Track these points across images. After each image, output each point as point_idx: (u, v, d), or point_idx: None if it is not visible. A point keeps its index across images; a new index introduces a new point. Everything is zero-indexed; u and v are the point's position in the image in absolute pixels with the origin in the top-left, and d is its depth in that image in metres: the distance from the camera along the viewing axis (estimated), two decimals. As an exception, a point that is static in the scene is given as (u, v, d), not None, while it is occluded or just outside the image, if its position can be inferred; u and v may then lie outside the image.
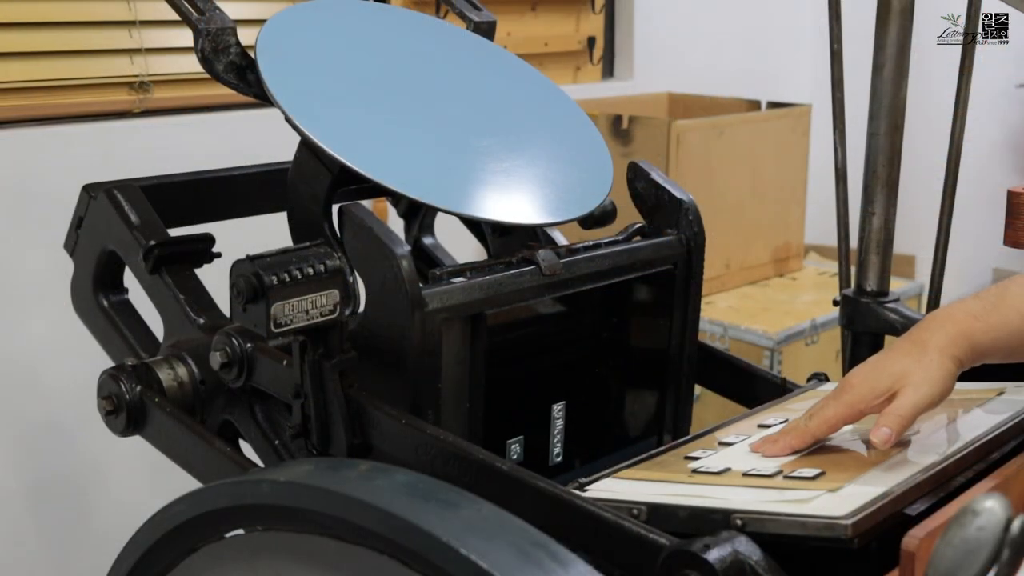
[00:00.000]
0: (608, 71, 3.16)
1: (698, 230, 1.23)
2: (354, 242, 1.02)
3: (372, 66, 1.24)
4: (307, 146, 1.13)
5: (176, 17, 1.16)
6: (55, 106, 2.03)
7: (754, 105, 2.95)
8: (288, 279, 0.94)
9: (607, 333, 1.21)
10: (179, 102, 2.17)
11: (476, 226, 1.38)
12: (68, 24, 2.03)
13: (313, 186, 1.14)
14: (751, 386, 1.30)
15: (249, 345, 1.05)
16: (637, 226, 1.24)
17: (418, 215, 1.45)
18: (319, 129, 1.09)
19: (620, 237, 1.21)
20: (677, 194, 1.23)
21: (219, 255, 1.22)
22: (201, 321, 1.15)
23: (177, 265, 1.19)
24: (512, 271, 1.09)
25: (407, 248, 1.01)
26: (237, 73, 1.17)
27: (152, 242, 1.17)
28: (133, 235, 1.19)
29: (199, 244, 1.21)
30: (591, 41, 3.06)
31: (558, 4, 2.96)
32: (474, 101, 1.28)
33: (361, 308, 1.05)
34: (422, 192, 1.11)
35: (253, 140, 1.83)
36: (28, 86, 1.99)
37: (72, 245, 1.28)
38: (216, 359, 1.06)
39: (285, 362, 1.03)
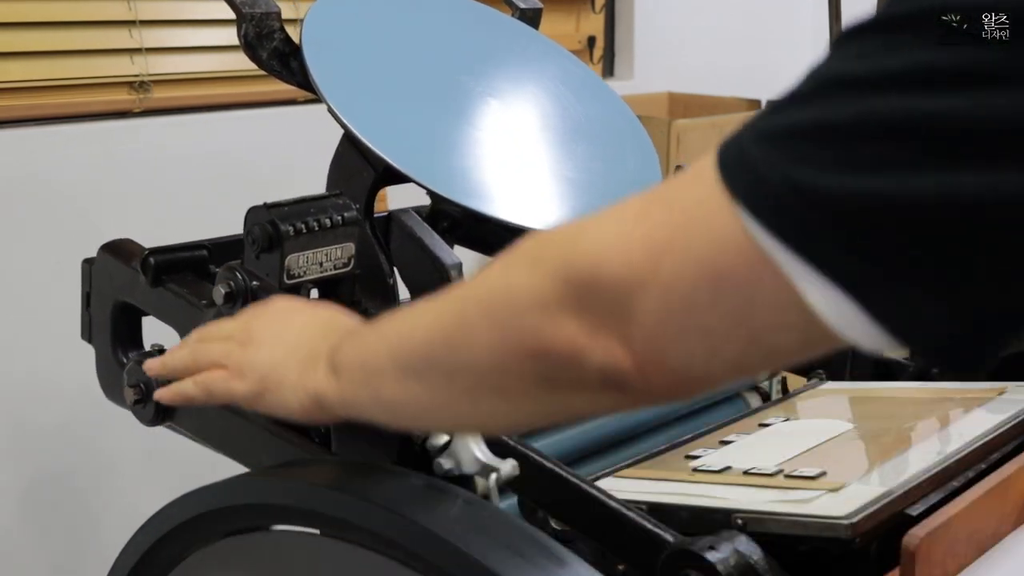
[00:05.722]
0: (608, 71, 3.16)
1: (699, 230, 1.21)
2: (402, 250, 1.01)
3: (421, 59, 1.18)
4: (351, 142, 1.07)
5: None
6: (55, 106, 2.02)
7: (754, 104, 2.94)
8: (305, 229, 0.93)
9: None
10: (179, 102, 2.17)
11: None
12: (68, 24, 2.02)
13: (354, 184, 1.08)
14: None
15: (255, 283, 1.00)
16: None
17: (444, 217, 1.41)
18: (364, 125, 1.04)
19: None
20: (678, 194, 1.22)
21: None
22: (204, 301, 1.08)
23: (178, 273, 1.16)
24: None
25: (458, 260, 1.00)
26: (281, 60, 1.10)
27: (147, 250, 1.14)
28: (132, 268, 1.13)
29: (196, 251, 1.16)
30: (591, 40, 3.06)
31: (558, 4, 2.96)
32: (527, 103, 1.23)
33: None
34: (471, 199, 1.07)
35: (253, 140, 1.83)
36: (28, 86, 1.98)
37: (87, 328, 1.19)
38: (219, 292, 1.01)
39: None
